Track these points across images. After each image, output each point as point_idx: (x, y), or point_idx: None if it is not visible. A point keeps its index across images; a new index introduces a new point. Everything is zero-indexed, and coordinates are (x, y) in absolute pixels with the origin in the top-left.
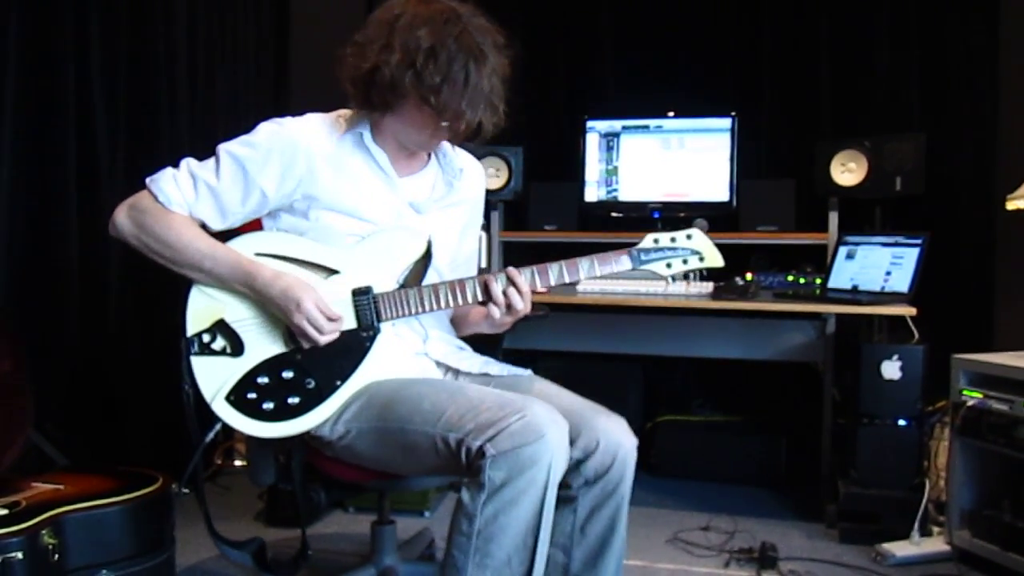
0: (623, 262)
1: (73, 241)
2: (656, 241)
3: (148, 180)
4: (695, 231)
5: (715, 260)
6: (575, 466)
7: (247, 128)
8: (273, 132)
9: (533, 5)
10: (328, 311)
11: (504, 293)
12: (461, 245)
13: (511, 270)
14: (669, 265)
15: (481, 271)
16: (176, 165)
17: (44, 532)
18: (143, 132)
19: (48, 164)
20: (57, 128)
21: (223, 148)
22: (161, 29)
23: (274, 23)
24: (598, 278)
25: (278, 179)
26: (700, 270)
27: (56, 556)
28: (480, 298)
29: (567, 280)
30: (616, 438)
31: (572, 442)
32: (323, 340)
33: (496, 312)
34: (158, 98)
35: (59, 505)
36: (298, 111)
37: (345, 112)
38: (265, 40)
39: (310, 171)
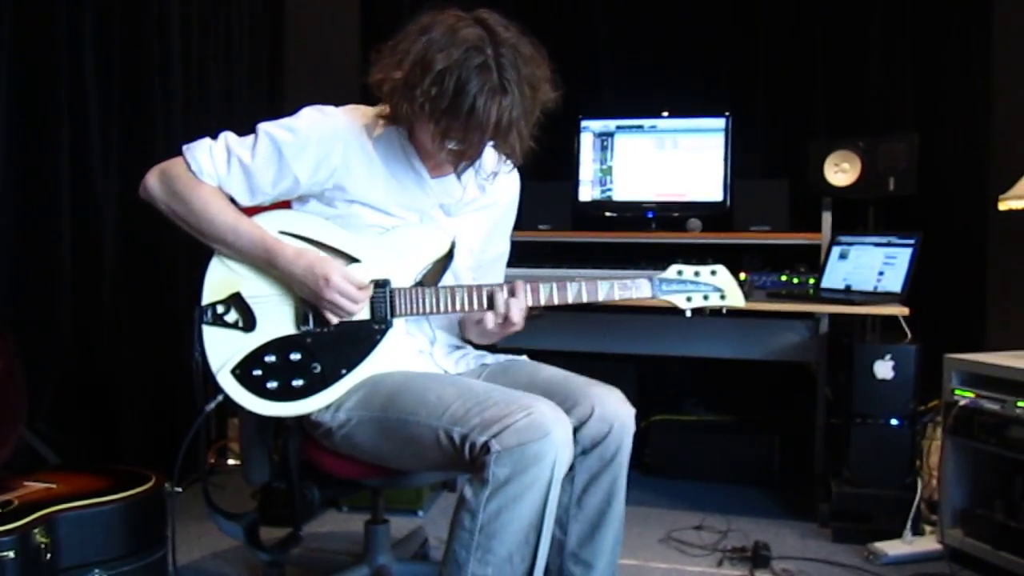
0: (643, 289)
1: (66, 240)
2: (680, 273)
3: (184, 147)
4: (720, 267)
5: (737, 300)
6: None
7: (240, 126)
8: (315, 120)
9: (527, 4)
10: (356, 280)
11: (506, 304)
12: (487, 248)
13: (517, 283)
14: (689, 299)
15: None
16: (215, 136)
17: (36, 531)
18: (137, 131)
19: (41, 163)
20: (50, 127)
21: (263, 128)
22: (155, 27)
23: (269, 22)
24: (616, 302)
25: (312, 167)
26: (720, 308)
27: (48, 555)
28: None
29: (584, 299)
30: (612, 407)
31: (567, 412)
32: (356, 309)
33: (491, 321)
34: (152, 96)
35: (51, 504)
36: (293, 110)
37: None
38: (260, 39)
39: (345, 164)
